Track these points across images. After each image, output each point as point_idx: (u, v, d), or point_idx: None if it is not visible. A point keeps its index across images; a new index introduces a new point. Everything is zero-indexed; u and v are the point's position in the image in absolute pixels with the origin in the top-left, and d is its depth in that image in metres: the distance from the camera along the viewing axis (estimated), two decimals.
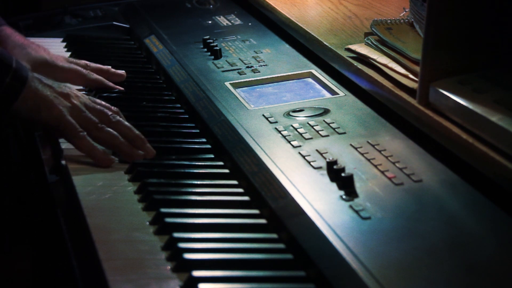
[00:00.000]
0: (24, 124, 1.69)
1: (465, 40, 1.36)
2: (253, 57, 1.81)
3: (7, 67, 1.47)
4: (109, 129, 1.49)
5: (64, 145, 1.52)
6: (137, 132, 1.51)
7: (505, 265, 1.08)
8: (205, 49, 1.87)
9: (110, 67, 1.82)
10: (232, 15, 2.11)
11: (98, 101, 1.55)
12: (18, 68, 1.48)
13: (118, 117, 1.52)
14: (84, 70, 1.75)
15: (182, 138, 1.56)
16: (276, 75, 1.71)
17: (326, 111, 1.51)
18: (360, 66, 1.58)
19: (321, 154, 1.36)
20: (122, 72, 1.82)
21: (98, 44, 2.09)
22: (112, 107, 1.55)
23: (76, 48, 2.03)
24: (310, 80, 1.69)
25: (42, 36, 2.11)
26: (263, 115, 1.52)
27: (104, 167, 1.46)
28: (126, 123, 1.52)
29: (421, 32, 1.53)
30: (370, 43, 1.61)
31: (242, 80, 1.69)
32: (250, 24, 2.04)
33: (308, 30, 1.78)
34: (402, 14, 1.75)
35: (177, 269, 1.14)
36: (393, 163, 1.31)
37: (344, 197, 1.23)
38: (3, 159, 2.04)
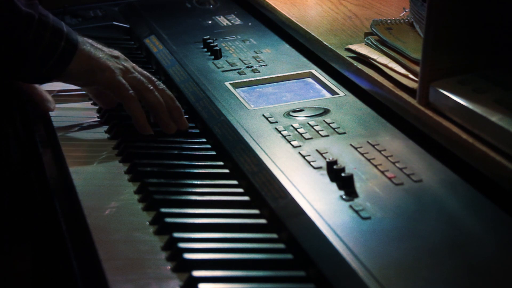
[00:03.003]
0: (24, 122, 1.69)
1: (465, 40, 1.36)
2: (253, 57, 1.80)
3: (60, 32, 1.50)
4: (157, 93, 1.54)
5: (64, 145, 1.52)
6: (177, 103, 1.57)
7: (505, 265, 1.08)
8: (205, 49, 1.87)
9: None
10: (232, 15, 2.11)
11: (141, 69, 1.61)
12: (69, 31, 1.52)
13: (163, 85, 1.58)
14: None
15: (182, 138, 1.56)
16: (276, 75, 1.71)
17: (326, 111, 1.51)
18: (360, 66, 1.58)
19: (321, 154, 1.36)
20: None
21: None
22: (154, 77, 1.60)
23: None
24: (310, 80, 1.69)
25: None
26: (263, 115, 1.52)
27: (143, 133, 1.52)
28: (169, 92, 1.57)
29: (421, 32, 1.53)
30: (370, 43, 1.61)
31: (242, 80, 1.69)
32: (250, 24, 2.04)
33: (308, 30, 1.78)
34: (402, 14, 1.75)
35: (177, 269, 1.14)
36: (393, 163, 1.31)
37: (344, 197, 1.23)
38: (3, 159, 2.03)
